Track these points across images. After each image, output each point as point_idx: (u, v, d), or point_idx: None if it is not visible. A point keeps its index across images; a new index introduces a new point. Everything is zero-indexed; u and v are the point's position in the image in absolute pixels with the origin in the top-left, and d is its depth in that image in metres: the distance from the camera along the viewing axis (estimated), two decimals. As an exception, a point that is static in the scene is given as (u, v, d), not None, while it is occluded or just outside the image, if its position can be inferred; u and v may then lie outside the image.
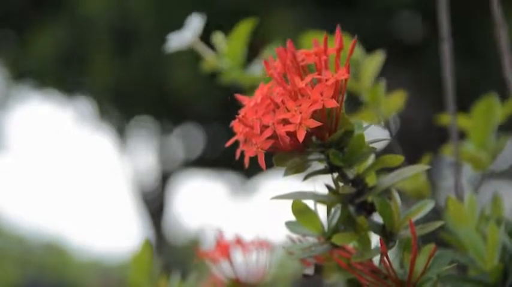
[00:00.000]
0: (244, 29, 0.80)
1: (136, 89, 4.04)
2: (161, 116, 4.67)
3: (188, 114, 4.53)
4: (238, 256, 0.77)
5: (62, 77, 4.21)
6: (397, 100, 0.81)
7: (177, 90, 3.71)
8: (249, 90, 0.79)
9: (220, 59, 0.81)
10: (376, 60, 0.79)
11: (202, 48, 0.80)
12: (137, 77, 3.86)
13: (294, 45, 0.53)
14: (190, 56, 0.82)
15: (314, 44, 0.53)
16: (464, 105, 0.81)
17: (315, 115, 0.49)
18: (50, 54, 3.92)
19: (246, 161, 0.51)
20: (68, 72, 4.13)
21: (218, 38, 0.81)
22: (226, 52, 0.81)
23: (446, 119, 0.82)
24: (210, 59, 0.81)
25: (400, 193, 0.74)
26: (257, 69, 0.81)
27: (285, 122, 0.49)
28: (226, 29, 0.82)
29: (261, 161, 0.50)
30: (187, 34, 0.78)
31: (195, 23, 0.79)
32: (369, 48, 0.81)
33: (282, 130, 0.49)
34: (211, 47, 0.82)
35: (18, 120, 6.98)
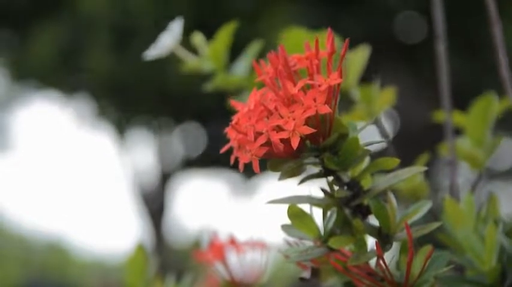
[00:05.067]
0: (227, 32, 0.79)
1: (136, 86, 4.04)
2: (161, 115, 4.67)
3: (188, 113, 4.53)
4: (234, 257, 0.77)
5: (62, 75, 4.21)
6: (388, 96, 0.80)
7: (175, 84, 3.71)
8: (235, 93, 0.79)
9: (202, 62, 0.80)
10: (360, 55, 0.78)
11: (183, 52, 0.79)
12: (137, 74, 3.86)
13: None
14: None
15: (306, 47, 0.53)
16: (465, 105, 0.81)
17: (308, 121, 0.49)
18: (50, 52, 3.92)
19: (241, 167, 0.51)
20: (68, 70, 4.14)
21: (198, 40, 0.80)
22: (209, 55, 0.80)
23: (441, 115, 0.82)
24: (191, 62, 0.80)
25: (396, 193, 0.74)
26: (240, 70, 0.80)
27: (279, 128, 0.49)
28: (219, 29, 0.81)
29: (256, 168, 0.50)
30: (167, 39, 0.77)
31: (175, 28, 0.78)
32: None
33: (275, 137, 0.49)
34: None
35: (20, 121, 6.99)
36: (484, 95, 0.79)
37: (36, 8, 4.04)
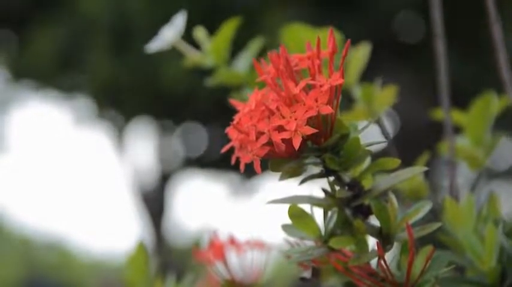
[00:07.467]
0: (230, 27, 0.79)
1: (135, 87, 4.04)
2: (161, 116, 4.67)
3: (188, 114, 4.52)
4: (234, 257, 0.77)
5: (61, 76, 4.22)
6: (389, 95, 0.80)
7: (174, 85, 3.71)
8: (236, 89, 0.79)
9: (204, 57, 0.80)
10: (361, 53, 0.78)
11: (185, 47, 0.79)
12: (136, 75, 3.86)
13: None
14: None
15: (307, 47, 0.53)
16: (464, 104, 0.81)
17: (310, 121, 0.49)
18: (49, 53, 3.92)
19: (242, 167, 0.51)
20: (67, 70, 4.14)
21: (200, 34, 0.80)
22: (211, 50, 0.79)
23: (439, 113, 0.82)
24: (193, 57, 0.80)
25: (397, 193, 0.74)
26: (242, 66, 0.80)
27: (280, 129, 0.49)
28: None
29: (257, 167, 0.50)
30: (169, 33, 0.77)
31: (177, 22, 0.77)
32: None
33: (277, 137, 0.49)
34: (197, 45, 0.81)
35: (20, 121, 6.99)
36: (483, 95, 0.78)
37: (35, 8, 4.04)
